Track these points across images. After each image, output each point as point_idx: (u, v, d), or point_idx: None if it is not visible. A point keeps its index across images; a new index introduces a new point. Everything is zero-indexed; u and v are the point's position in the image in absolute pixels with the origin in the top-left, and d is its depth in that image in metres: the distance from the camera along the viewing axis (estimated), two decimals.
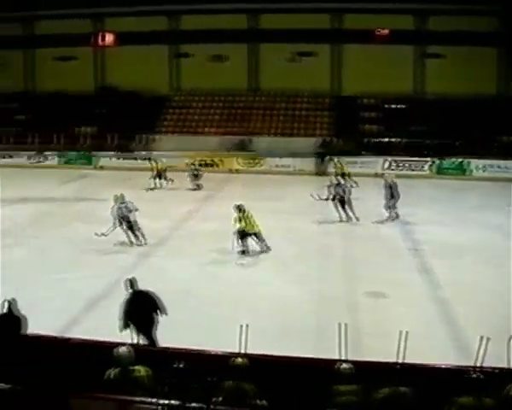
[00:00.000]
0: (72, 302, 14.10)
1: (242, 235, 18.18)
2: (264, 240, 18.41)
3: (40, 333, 9.93)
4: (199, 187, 28.79)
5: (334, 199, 22.23)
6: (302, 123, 36.62)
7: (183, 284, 15.46)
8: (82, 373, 8.37)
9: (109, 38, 40.03)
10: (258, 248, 18.40)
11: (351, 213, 22.13)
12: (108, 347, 9.04)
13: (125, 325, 10.95)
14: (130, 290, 11.17)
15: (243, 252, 18.17)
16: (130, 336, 10.16)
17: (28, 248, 18.91)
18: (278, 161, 33.69)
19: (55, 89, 39.23)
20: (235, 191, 27.55)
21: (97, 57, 40.35)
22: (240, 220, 18.09)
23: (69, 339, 9.98)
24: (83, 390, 7.40)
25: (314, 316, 13.29)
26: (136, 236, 19.21)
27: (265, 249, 18.39)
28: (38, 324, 10.32)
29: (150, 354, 8.52)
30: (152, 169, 29.44)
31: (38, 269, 16.68)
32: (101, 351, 9.07)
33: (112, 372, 7.64)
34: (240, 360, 7.69)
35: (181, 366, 7.68)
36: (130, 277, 11.39)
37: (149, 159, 31.25)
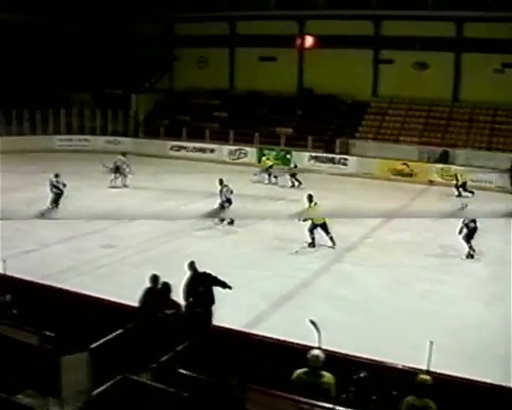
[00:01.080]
0: (259, 299, 14.56)
1: (312, 226, 19.32)
2: (329, 232, 19.24)
3: (226, 326, 10.39)
4: None
5: None
6: (502, 137, 34.80)
7: (372, 292, 15.36)
8: (264, 369, 8.66)
9: (310, 40, 40.68)
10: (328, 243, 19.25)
11: None
12: (293, 347, 9.27)
13: (186, 300, 11.78)
14: (191, 271, 12.03)
15: (310, 244, 19.25)
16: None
17: (221, 239, 20.04)
18: (477, 176, 32.24)
19: (254, 88, 40.72)
20: (430, 203, 26.97)
21: (298, 59, 41.11)
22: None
23: (254, 335, 10.31)
24: (261, 385, 7.64)
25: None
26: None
27: (332, 244, 19.30)
28: (226, 318, 10.82)
29: (333, 360, 8.53)
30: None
31: (229, 262, 17.40)
32: (285, 350, 9.31)
33: (297, 373, 7.72)
34: (424, 376, 7.51)
35: (362, 375, 7.64)
36: (190, 260, 12.09)
37: None
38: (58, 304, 11.25)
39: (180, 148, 38.99)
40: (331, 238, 19.43)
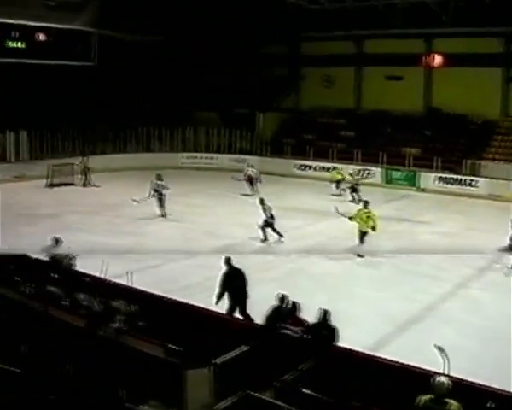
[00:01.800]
0: (383, 321, 14.36)
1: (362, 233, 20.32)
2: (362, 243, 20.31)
3: (350, 347, 10.31)
4: None
5: None
6: None
7: (501, 320, 14.64)
8: (386, 392, 8.52)
9: (438, 59, 39.87)
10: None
11: None
12: (417, 372, 9.06)
13: (221, 295, 13.36)
14: (227, 266, 13.52)
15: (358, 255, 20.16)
16: None
17: (344, 261, 19.80)
18: None
19: (380, 107, 40.34)
20: None
21: (425, 78, 40.37)
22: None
23: (377, 357, 10.17)
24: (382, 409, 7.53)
25: None
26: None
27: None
28: (349, 338, 10.75)
29: (460, 388, 8.27)
30: None
31: (352, 283, 17.29)
32: (409, 374, 9.11)
33: (422, 399, 7.56)
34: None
35: (493, 405, 7.37)
36: (226, 256, 13.70)
37: None
38: (184, 318, 11.58)
39: (305, 167, 39.17)
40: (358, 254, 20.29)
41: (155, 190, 25.70)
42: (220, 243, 21.32)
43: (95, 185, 32.70)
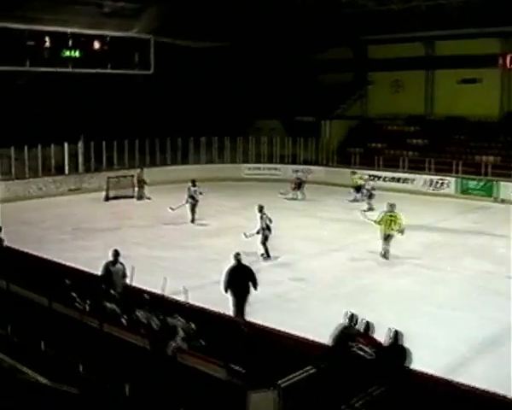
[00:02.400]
0: (459, 343, 14.01)
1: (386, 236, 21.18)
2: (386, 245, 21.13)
3: (423, 370, 10.08)
4: None
5: None
6: None
7: None
8: None
9: None
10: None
11: None
12: (497, 399, 8.79)
13: (226, 289, 14.54)
14: (235, 262, 14.66)
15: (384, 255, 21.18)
16: None
17: (417, 277, 19.44)
18: None
19: (453, 113, 39.64)
20: None
21: (502, 80, 39.48)
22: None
23: (454, 382, 9.92)
24: None
25: None
26: None
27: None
28: (423, 359, 10.51)
29: None
30: None
31: (425, 301, 16.95)
32: (488, 401, 8.85)
33: None
34: None
35: None
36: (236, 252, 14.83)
37: None
38: (246, 337, 11.55)
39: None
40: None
41: (191, 197, 27.24)
42: (283, 259, 21.33)
43: (148, 198, 33.18)
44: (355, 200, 32.03)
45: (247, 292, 14.53)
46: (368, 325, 10.86)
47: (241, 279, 14.61)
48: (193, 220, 27.12)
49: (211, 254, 21.91)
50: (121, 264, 14.44)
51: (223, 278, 14.80)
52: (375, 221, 21.58)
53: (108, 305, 13.11)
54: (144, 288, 14.27)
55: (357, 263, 20.95)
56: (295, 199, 33.26)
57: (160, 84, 39.89)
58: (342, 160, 41.11)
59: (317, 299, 17.30)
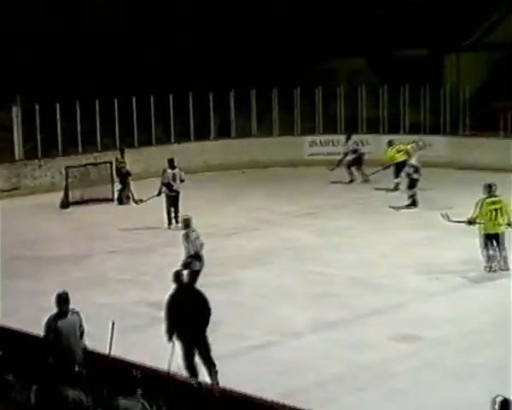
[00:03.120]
0: None
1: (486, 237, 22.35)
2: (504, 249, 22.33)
3: None
4: None
5: None
6: None
7: None
8: None
9: None
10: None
11: None
12: None
13: (171, 330, 14.93)
14: (176, 284, 15.38)
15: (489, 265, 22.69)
16: None
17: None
18: None
19: None
20: None
21: None
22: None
23: None
24: None
25: None
26: None
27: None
28: None
29: None
30: None
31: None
32: None
33: None
34: None
35: None
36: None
37: None
38: None
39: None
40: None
41: (167, 185, 28.55)
42: (381, 301, 21.36)
43: (137, 201, 33.47)
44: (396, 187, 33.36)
45: (204, 322, 15.19)
46: (507, 405, 10.81)
47: (186, 310, 15.04)
48: (170, 223, 28.37)
49: (250, 295, 21.97)
50: (76, 313, 14.49)
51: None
52: (468, 221, 21.93)
53: (69, 393, 13.09)
54: (133, 360, 14.27)
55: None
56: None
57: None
58: (482, 122, 40.79)
59: (442, 372, 17.09)
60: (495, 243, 22.20)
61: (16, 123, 37.78)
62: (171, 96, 40.21)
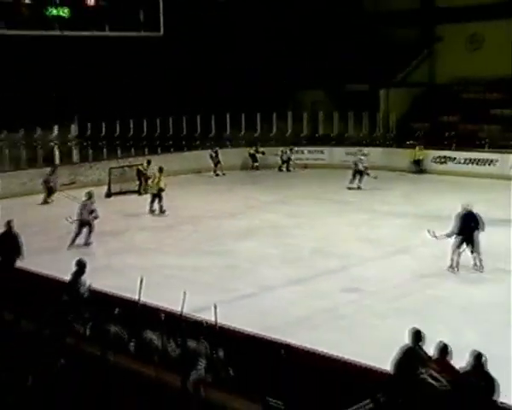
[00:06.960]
0: None
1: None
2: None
3: None
4: None
5: None
6: None
7: None
8: None
9: None
10: None
11: None
12: None
13: None
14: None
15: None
16: None
17: (501, 286, 19.35)
18: None
19: None
20: None
21: None
22: None
23: None
24: None
25: None
26: None
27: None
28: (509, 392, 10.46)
29: None
30: None
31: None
32: None
33: None
34: None
35: None
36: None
37: None
38: (284, 364, 11.56)
39: (445, 159, 38.35)
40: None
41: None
42: (333, 264, 21.46)
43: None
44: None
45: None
46: (444, 348, 10.60)
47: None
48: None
49: (241, 260, 22.15)
50: None
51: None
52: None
53: (112, 328, 13.12)
54: (159, 305, 14.37)
55: (425, 268, 20.89)
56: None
57: (172, 49, 40.03)
58: (404, 138, 40.99)
59: (375, 314, 17.31)
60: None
61: (74, 137, 38.05)
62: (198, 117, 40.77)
